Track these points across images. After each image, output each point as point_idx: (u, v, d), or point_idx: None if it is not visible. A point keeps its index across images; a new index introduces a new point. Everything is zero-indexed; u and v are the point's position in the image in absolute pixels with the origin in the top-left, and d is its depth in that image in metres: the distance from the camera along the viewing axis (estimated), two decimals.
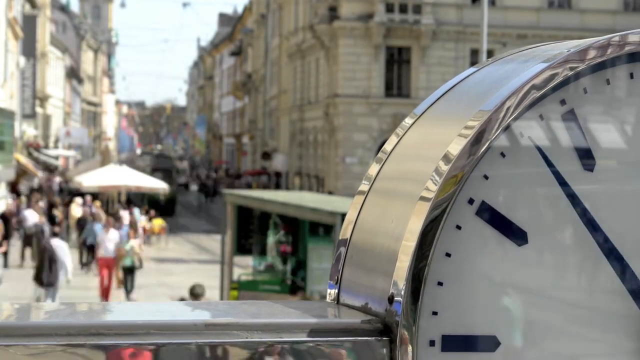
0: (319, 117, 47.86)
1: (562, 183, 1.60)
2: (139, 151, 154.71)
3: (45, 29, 60.19)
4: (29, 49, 51.00)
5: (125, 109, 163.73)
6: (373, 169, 1.77)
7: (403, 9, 43.22)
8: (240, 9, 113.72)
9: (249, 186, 57.76)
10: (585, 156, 1.61)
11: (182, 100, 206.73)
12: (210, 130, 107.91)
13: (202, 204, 57.82)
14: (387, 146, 1.78)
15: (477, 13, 25.53)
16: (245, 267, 20.97)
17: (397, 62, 44.23)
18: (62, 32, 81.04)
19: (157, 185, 35.22)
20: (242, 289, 17.67)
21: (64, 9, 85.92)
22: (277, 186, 56.30)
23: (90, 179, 33.89)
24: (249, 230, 19.53)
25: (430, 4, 43.26)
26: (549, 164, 1.60)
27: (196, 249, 33.29)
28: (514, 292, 1.58)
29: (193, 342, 1.45)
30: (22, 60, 49.71)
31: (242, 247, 19.73)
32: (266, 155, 62.45)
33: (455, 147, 1.54)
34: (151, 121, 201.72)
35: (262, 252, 19.05)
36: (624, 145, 1.64)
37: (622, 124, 1.63)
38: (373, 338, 1.52)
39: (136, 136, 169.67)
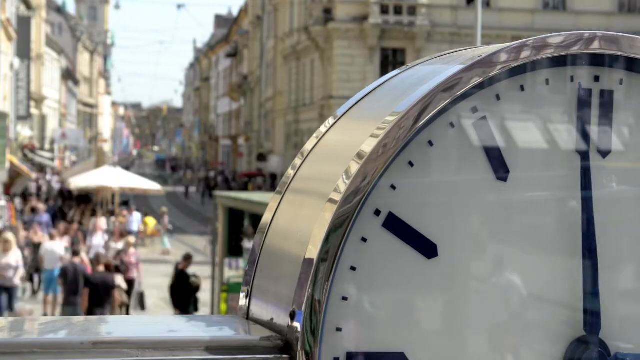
0: (314, 118, 47.76)
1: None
2: (135, 152, 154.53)
3: (40, 31, 60.06)
4: (23, 50, 50.86)
5: (121, 111, 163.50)
6: (291, 170, 1.69)
7: (398, 11, 43.17)
8: (235, 11, 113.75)
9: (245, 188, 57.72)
10: (498, 165, 1.52)
11: (178, 102, 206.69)
12: (206, 132, 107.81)
13: (198, 206, 57.72)
14: (308, 146, 1.71)
15: (472, 14, 25.45)
16: (238, 269, 20.87)
17: (392, 64, 44.13)
18: (58, 34, 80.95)
19: (151, 186, 35.12)
20: (232, 291, 17.57)
21: (60, 10, 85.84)
22: (273, 188, 56.20)
23: (84, 181, 33.80)
24: (240, 232, 19.46)
25: (425, 5, 43.20)
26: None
27: (189, 251, 33.14)
28: (424, 307, 1.50)
29: None
30: (17, 62, 49.59)
31: (233, 249, 19.64)
32: (262, 157, 62.34)
33: (361, 155, 1.45)
34: (147, 123, 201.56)
35: None
36: (539, 154, 1.54)
37: (536, 133, 1.54)
38: (272, 356, 1.44)
39: (132, 138, 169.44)
